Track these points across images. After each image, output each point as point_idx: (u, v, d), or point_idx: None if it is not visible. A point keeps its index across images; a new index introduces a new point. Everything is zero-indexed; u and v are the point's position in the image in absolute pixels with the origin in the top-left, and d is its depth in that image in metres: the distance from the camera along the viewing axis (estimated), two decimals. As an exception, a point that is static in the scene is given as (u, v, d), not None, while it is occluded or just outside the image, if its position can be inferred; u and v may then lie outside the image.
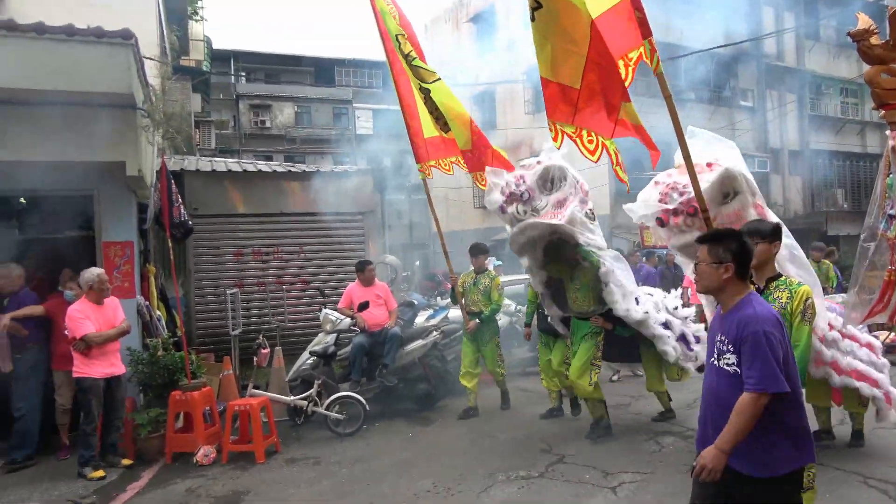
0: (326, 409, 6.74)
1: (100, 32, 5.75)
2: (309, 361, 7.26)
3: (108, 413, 5.92)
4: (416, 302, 8.54)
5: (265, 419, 6.32)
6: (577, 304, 6.19)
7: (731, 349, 2.73)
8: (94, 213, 6.84)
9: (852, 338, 5.20)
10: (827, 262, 10.02)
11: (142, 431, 6.14)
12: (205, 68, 18.56)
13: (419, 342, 7.70)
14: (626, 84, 4.02)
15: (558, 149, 5.00)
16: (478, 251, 7.59)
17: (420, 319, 8.05)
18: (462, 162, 7.02)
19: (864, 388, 5.06)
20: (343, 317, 7.51)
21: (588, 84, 4.18)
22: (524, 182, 6.03)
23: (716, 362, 2.82)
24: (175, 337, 7.23)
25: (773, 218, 5.13)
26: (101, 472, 5.69)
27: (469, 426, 6.92)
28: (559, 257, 6.20)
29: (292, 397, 6.88)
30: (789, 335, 3.47)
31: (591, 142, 4.35)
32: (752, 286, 3.48)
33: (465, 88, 24.87)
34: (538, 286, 6.60)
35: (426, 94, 6.73)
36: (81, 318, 5.71)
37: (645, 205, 5.43)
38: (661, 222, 5.32)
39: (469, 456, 5.87)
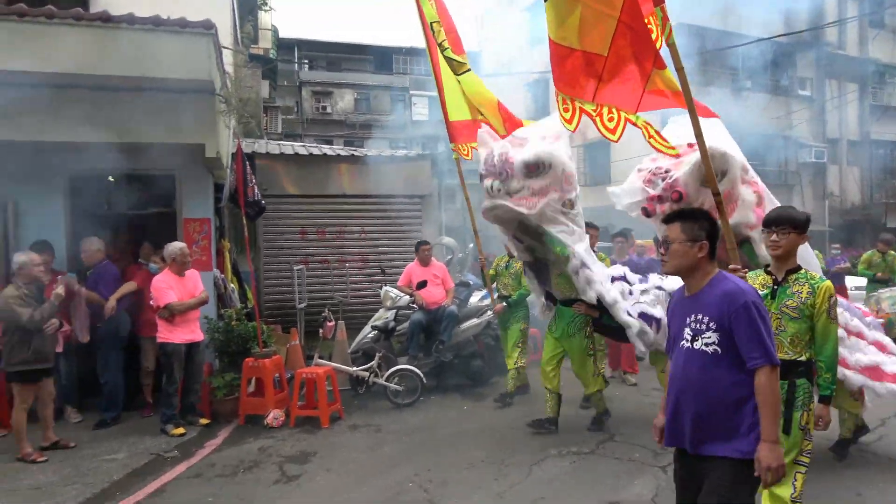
0: (386, 380, 7.09)
1: (183, 23, 6.17)
2: (370, 335, 7.64)
3: (188, 376, 6.40)
4: (471, 282, 8.79)
5: (330, 387, 6.70)
6: (560, 289, 5.93)
7: (714, 327, 2.60)
8: (175, 191, 7.35)
9: (858, 335, 4.80)
10: (893, 252, 9.74)
11: (218, 394, 6.63)
12: (272, 56, 19.19)
13: (474, 321, 7.96)
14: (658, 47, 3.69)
15: (573, 132, 4.48)
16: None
17: (474, 299, 8.31)
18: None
19: (877, 387, 4.60)
20: (402, 294, 7.85)
21: (617, 50, 3.82)
22: (506, 160, 5.48)
23: (688, 344, 2.68)
24: (247, 308, 7.71)
25: (772, 200, 4.89)
26: (181, 430, 6.18)
27: (521, 402, 7.14)
28: (539, 238, 5.75)
29: (355, 368, 7.27)
30: (807, 332, 3.42)
31: (611, 119, 3.99)
32: (769, 277, 3.50)
33: (518, 77, 24.81)
34: (523, 263, 6.31)
35: (459, 84, 6.86)
36: (165, 288, 6.20)
37: (628, 193, 5.15)
38: (647, 212, 5.03)
39: (521, 431, 6.11)
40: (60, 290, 5.64)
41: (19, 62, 5.73)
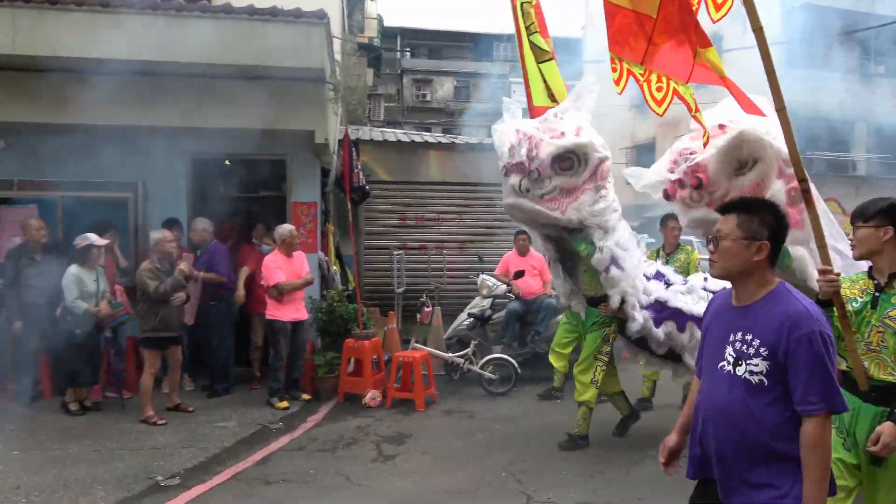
0: (481, 368, 7.12)
1: (298, 13, 6.41)
2: (466, 322, 7.69)
3: (293, 353, 6.70)
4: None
5: (425, 372, 6.81)
6: (586, 286, 5.43)
7: (764, 353, 2.12)
8: (285, 175, 7.67)
9: None
10: None
11: (319, 371, 6.90)
12: (376, 44, 19.62)
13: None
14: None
15: (619, 94, 3.89)
16: None
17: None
18: None
19: None
20: (499, 283, 7.83)
21: (665, 16, 3.52)
22: (537, 156, 4.87)
23: (728, 368, 2.21)
24: (348, 291, 7.96)
25: (820, 201, 4.10)
26: (285, 403, 6.49)
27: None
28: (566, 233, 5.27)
29: (450, 354, 7.35)
30: None
31: (659, 89, 3.65)
32: (871, 282, 2.81)
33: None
34: (549, 258, 5.79)
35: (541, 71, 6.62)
36: (275, 267, 6.50)
37: (652, 172, 4.69)
38: (667, 195, 4.54)
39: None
40: (184, 266, 6.06)
41: (149, 52, 6.14)
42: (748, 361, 2.14)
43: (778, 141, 4.16)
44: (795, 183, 4.09)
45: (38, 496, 4.41)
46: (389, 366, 7.04)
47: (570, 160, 4.89)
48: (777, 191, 4.21)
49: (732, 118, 4.22)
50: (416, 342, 7.26)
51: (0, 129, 6.73)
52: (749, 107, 3.54)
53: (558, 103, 5.82)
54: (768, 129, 4.19)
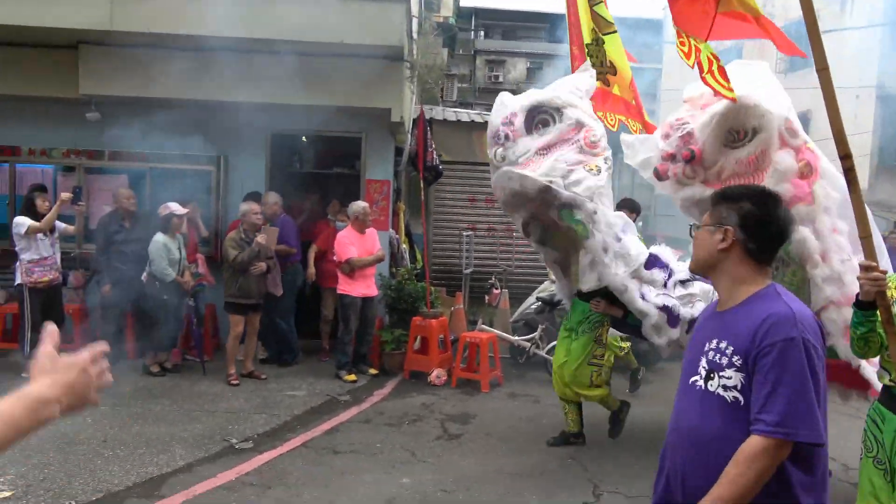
0: (547, 353, 7.04)
1: (379, -9, 6.42)
2: (534, 306, 7.62)
3: (362, 328, 6.81)
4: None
5: (491, 353, 6.80)
6: (578, 279, 4.92)
7: (738, 363, 1.72)
8: (360, 153, 7.76)
9: None
10: None
11: (386, 347, 7.01)
12: (451, 24, 19.52)
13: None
14: None
15: (691, 67, 3.51)
16: (621, 206, 6.71)
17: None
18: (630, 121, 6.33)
19: None
20: (569, 268, 7.70)
21: None
22: (511, 121, 4.51)
23: (700, 383, 1.81)
24: (416, 269, 8.02)
25: (834, 176, 3.70)
26: (353, 377, 6.62)
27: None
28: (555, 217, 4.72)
29: (517, 338, 7.31)
30: None
31: (683, 44, 3.36)
32: None
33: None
34: (548, 263, 5.31)
35: (599, 43, 6.29)
36: (347, 243, 6.60)
37: (644, 145, 4.17)
38: (658, 174, 4.01)
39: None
40: (261, 238, 6.25)
41: (237, 30, 6.29)
42: (721, 374, 1.74)
43: (782, 110, 3.74)
44: (805, 155, 3.78)
45: (123, 450, 4.67)
46: (455, 345, 7.06)
47: (545, 119, 4.49)
48: (781, 161, 3.70)
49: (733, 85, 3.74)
50: (483, 324, 7.25)
51: (94, 102, 7.07)
52: (785, 45, 3.21)
53: (616, 77, 5.56)
54: (772, 97, 3.72)
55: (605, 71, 5.94)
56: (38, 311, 6.15)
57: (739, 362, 1.71)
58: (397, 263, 7.92)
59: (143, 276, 6.39)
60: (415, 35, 8.24)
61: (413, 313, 7.07)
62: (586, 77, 4.90)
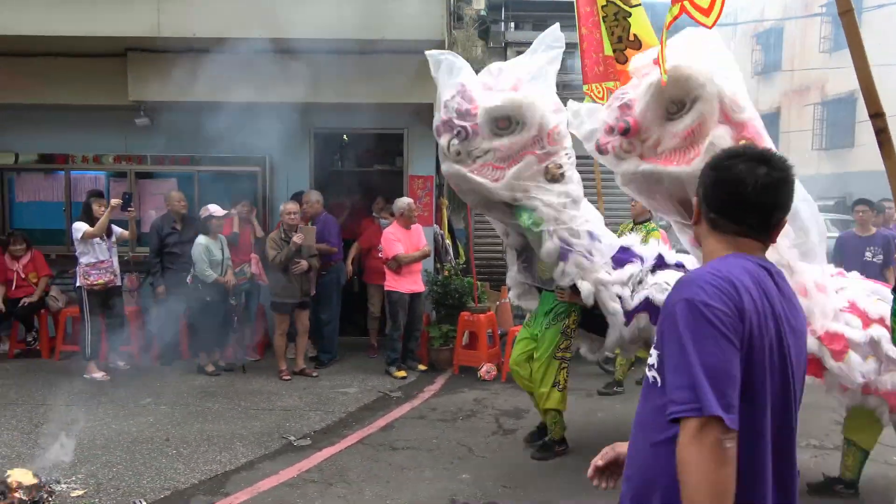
0: (597, 346, 6.95)
1: (419, -15, 6.40)
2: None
3: (410, 324, 6.82)
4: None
5: (540, 347, 6.74)
6: (542, 270, 4.57)
7: (656, 339, 1.54)
8: (402, 149, 7.76)
9: None
10: None
11: (434, 343, 7.01)
12: (482, 15, 19.40)
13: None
14: None
15: (710, 27, 3.20)
16: None
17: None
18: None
19: None
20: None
21: None
22: (469, 111, 4.08)
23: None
24: (461, 265, 7.99)
25: (768, 144, 3.35)
26: (403, 373, 6.64)
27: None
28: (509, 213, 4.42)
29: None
30: None
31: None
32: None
33: (747, 26, 22.44)
34: (508, 249, 4.81)
35: (621, 17, 6.04)
36: (394, 240, 6.61)
37: (590, 115, 3.77)
38: (599, 148, 3.69)
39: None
40: (297, 237, 6.31)
41: (278, 30, 6.32)
42: (650, 353, 1.54)
43: (729, 81, 3.42)
44: (748, 133, 3.44)
45: (186, 448, 4.76)
46: (504, 340, 7.02)
47: (508, 118, 4.08)
48: (718, 136, 3.35)
49: (671, 53, 3.38)
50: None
51: (143, 108, 7.21)
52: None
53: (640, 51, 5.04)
54: (718, 68, 3.39)
55: (625, 46, 5.70)
56: (97, 314, 6.34)
57: (657, 339, 1.52)
58: (441, 259, 7.91)
59: (188, 279, 6.52)
60: (453, 30, 8.20)
61: (460, 308, 7.05)
62: (552, 56, 4.35)
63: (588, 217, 4.36)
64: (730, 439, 1.33)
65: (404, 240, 6.66)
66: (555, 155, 4.16)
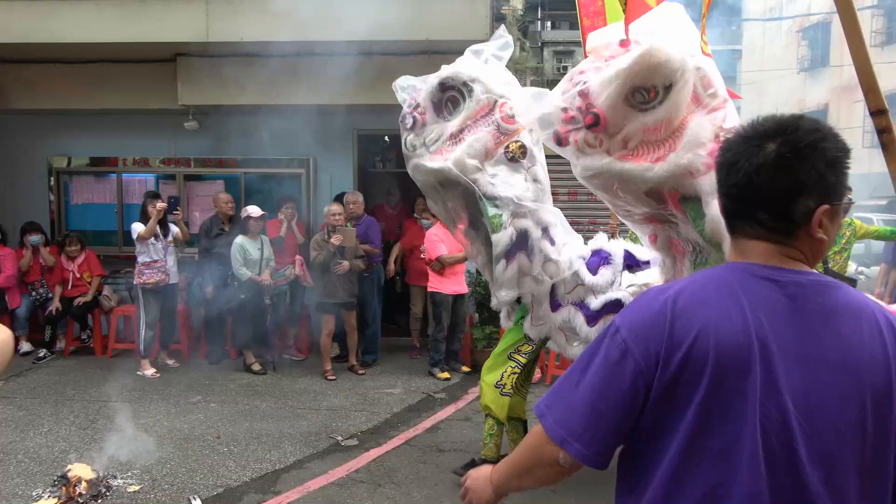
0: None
1: (465, -14, 6.39)
2: (626, 301, 7.41)
3: (453, 325, 6.81)
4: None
5: (585, 349, 6.66)
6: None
7: None
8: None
9: None
10: None
11: (478, 344, 6.98)
12: (520, 15, 19.31)
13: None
14: None
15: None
16: None
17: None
18: None
19: None
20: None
21: None
22: (416, 101, 3.98)
23: None
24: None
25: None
26: (446, 374, 6.64)
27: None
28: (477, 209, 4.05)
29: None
30: None
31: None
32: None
33: (792, 22, 21.86)
34: (480, 267, 4.43)
35: None
36: (437, 241, 6.61)
37: (542, 104, 3.30)
38: (559, 139, 3.24)
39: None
40: (335, 238, 6.35)
41: (322, 33, 6.40)
42: None
43: (701, 65, 3.03)
44: (722, 115, 3.04)
45: (236, 446, 4.83)
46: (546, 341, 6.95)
47: (454, 97, 3.88)
48: (698, 127, 2.99)
49: (642, 34, 3.01)
50: (575, 319, 7.10)
51: (192, 112, 7.36)
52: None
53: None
54: (679, 48, 2.98)
55: None
56: (151, 311, 6.51)
57: None
58: (484, 260, 7.88)
59: (228, 278, 6.64)
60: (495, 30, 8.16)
61: (503, 310, 7.00)
62: (501, 44, 4.15)
63: (553, 221, 3.97)
64: (568, 461, 1.28)
65: (447, 241, 6.65)
66: (514, 134, 3.83)
